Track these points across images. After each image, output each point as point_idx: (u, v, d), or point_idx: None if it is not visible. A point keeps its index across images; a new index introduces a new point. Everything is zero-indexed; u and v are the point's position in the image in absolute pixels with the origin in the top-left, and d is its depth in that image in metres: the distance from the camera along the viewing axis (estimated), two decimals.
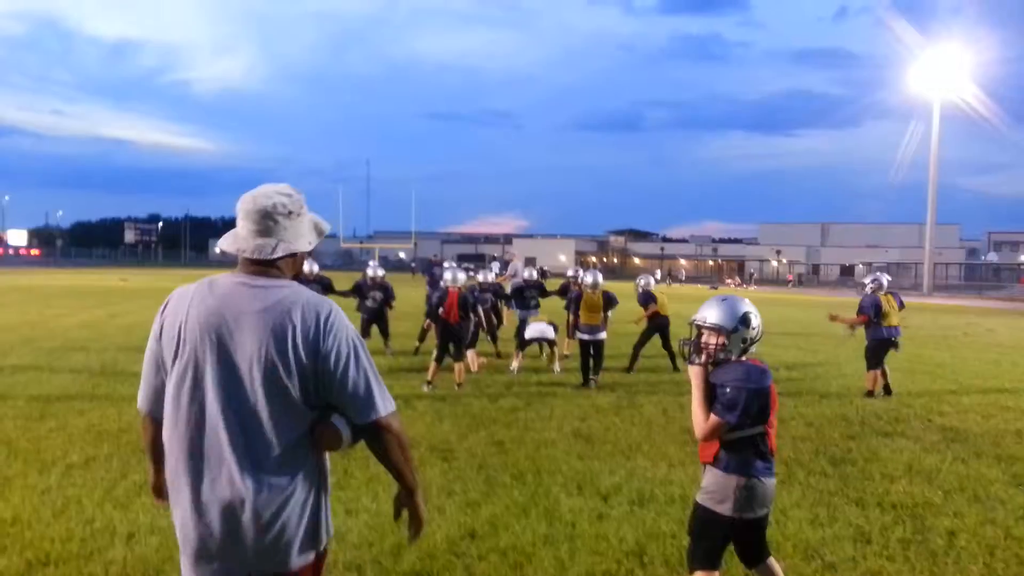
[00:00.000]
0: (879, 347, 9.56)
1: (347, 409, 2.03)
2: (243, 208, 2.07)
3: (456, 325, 9.33)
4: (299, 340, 1.95)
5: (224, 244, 2.09)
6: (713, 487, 3.07)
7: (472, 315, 9.56)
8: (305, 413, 2.00)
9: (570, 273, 15.81)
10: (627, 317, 13.57)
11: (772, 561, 3.24)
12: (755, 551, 3.20)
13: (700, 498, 3.14)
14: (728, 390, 2.99)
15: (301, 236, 2.12)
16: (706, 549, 3.11)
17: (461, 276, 9.72)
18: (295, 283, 2.07)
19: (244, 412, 1.95)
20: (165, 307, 2.10)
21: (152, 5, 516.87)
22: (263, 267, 2.05)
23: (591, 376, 9.82)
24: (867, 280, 10.11)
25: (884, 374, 9.67)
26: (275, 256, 2.05)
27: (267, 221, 2.05)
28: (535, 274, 14.35)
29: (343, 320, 2.05)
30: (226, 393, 1.96)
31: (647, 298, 11.47)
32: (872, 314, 9.53)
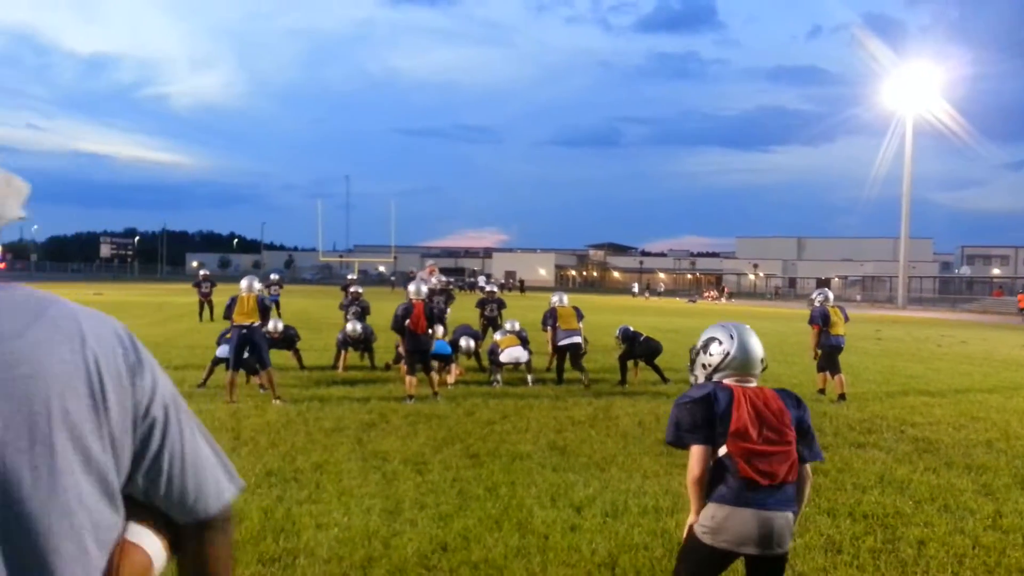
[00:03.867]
0: (830, 352, 10.59)
1: (171, 499, 1.15)
2: None
3: (423, 336, 9.48)
4: (107, 379, 1.07)
5: None
6: (704, 513, 2.89)
7: (439, 324, 10.01)
8: (118, 522, 1.10)
9: (486, 287, 17.07)
10: (595, 328, 13.56)
11: None
12: None
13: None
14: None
15: None
16: (688, 572, 3.03)
17: (424, 288, 10.13)
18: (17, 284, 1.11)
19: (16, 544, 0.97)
20: None
21: (128, 21, 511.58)
22: None
23: (581, 376, 10.86)
24: (815, 295, 11.22)
25: (841, 383, 10.33)
26: None
27: None
28: (495, 288, 16.22)
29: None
30: None
31: (626, 337, 11.87)
32: (822, 323, 10.57)
